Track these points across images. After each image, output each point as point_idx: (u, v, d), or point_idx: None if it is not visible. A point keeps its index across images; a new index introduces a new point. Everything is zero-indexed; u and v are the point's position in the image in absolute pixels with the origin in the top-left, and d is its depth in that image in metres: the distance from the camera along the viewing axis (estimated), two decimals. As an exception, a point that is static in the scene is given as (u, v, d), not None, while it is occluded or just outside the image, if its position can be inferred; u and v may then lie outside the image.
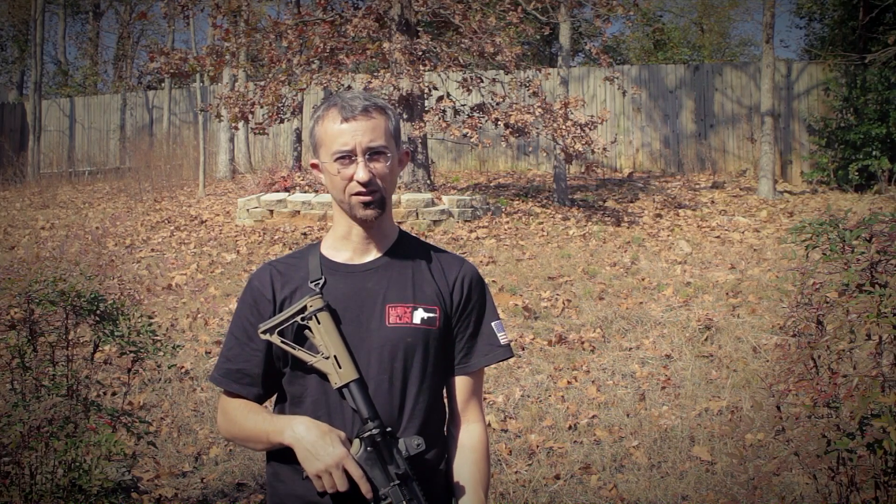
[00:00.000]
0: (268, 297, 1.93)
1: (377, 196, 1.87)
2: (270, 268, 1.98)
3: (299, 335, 1.88)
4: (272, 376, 1.94)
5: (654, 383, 5.89)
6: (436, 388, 1.95)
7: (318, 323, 1.85)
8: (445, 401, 2.02)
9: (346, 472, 1.77)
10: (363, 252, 1.95)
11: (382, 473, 1.78)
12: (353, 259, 1.95)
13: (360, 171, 1.85)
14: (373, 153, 1.86)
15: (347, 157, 1.86)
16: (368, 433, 1.79)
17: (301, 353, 1.86)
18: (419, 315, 1.90)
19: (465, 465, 1.94)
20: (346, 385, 1.82)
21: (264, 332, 1.88)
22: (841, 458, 2.73)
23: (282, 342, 1.87)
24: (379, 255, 1.95)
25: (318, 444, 1.77)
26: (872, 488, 2.75)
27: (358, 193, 1.87)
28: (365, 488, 1.76)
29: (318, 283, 1.91)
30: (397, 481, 1.77)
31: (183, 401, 5.72)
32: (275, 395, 2.00)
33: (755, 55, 26.68)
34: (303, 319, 1.87)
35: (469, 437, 1.97)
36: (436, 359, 1.93)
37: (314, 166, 1.97)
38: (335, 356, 1.83)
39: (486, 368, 2.04)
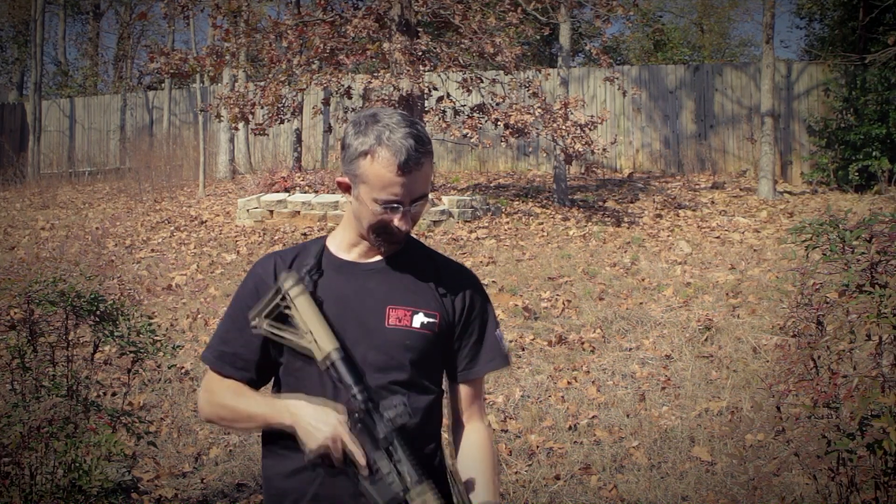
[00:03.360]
0: (269, 283, 1.93)
1: (404, 236, 1.90)
2: (275, 256, 2.00)
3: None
4: (266, 364, 1.94)
5: (654, 384, 5.89)
6: (432, 392, 1.95)
7: (293, 301, 1.87)
8: (446, 408, 2.03)
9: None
10: (368, 255, 1.96)
11: (370, 442, 1.78)
12: (358, 259, 1.96)
13: (404, 222, 1.85)
14: (416, 200, 1.86)
15: (393, 205, 1.83)
16: (352, 401, 1.80)
17: (288, 336, 1.87)
18: (419, 319, 1.91)
19: (473, 456, 1.95)
20: (328, 356, 1.82)
21: (253, 320, 1.89)
22: (841, 459, 2.73)
23: (269, 325, 1.88)
24: (382, 257, 1.96)
25: (313, 421, 1.78)
26: (872, 489, 2.75)
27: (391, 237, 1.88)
28: (358, 457, 1.76)
29: (307, 268, 1.92)
30: (383, 448, 1.78)
31: (183, 401, 5.72)
32: (270, 384, 2.01)
33: (755, 55, 26.68)
34: (283, 300, 1.88)
35: (476, 434, 1.99)
36: (433, 363, 1.94)
37: (343, 186, 1.91)
38: (311, 331, 1.84)
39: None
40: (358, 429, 1.79)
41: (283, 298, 1.88)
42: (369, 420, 1.78)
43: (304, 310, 1.86)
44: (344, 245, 1.97)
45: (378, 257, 1.96)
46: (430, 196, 10.97)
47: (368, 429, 1.78)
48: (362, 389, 1.80)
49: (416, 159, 1.80)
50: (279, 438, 1.91)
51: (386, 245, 1.89)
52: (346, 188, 1.90)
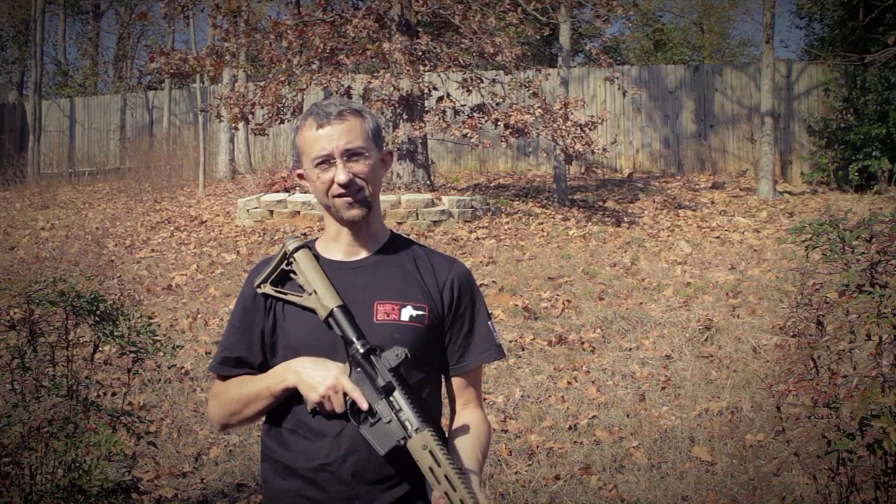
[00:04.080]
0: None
1: (360, 196, 1.91)
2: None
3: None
4: (269, 367, 1.96)
5: (654, 384, 5.89)
6: (430, 385, 1.97)
7: (296, 263, 1.93)
8: (445, 399, 2.04)
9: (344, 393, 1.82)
10: (353, 253, 1.99)
11: (372, 390, 1.81)
12: (344, 258, 1.99)
13: (340, 174, 1.89)
14: (350, 154, 1.90)
15: (326, 161, 1.89)
16: (353, 353, 1.83)
17: (291, 297, 1.92)
18: (407, 312, 1.92)
19: (463, 430, 1.97)
20: (330, 313, 1.86)
21: (258, 286, 1.95)
22: (841, 459, 2.73)
23: (275, 291, 1.94)
24: (369, 254, 1.99)
25: (312, 374, 1.83)
26: (872, 489, 2.75)
27: (340, 195, 1.90)
28: (358, 399, 1.79)
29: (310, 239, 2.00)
30: (384, 395, 1.80)
31: (183, 401, 5.72)
32: None
33: (755, 55, 26.68)
34: (288, 265, 1.95)
35: (469, 414, 2.01)
36: (425, 356, 1.94)
37: (300, 176, 2.00)
38: (314, 290, 1.89)
39: (483, 366, 2.07)
40: (359, 377, 1.82)
41: (289, 263, 1.95)
42: (370, 369, 1.81)
43: (307, 270, 1.92)
44: (328, 241, 2.00)
45: (364, 254, 1.98)
46: (430, 196, 11.01)
47: (370, 377, 1.81)
48: (364, 343, 1.83)
49: (336, 113, 1.90)
50: (277, 442, 1.93)
51: (345, 209, 1.91)
52: (302, 176, 2.00)
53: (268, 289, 1.94)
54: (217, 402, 1.99)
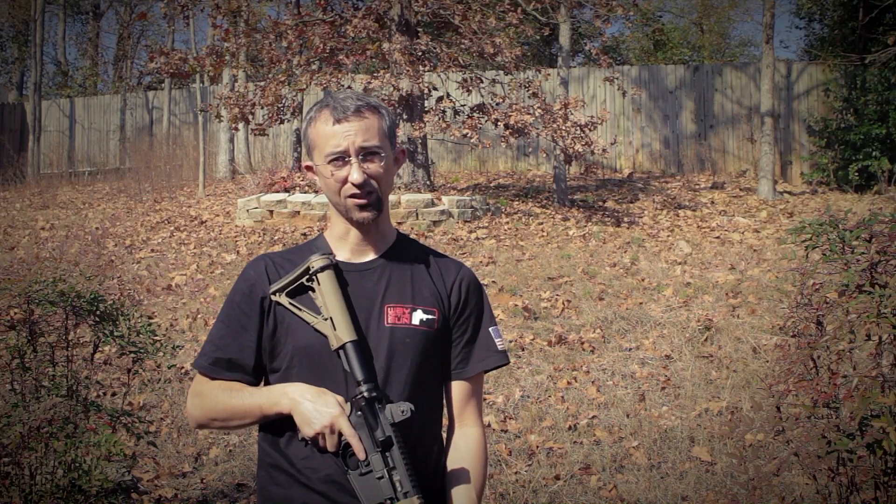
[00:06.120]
0: (263, 286, 1.91)
1: (373, 198, 1.86)
2: (266, 259, 1.97)
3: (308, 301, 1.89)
4: (262, 368, 1.91)
5: (654, 384, 5.89)
6: (433, 390, 1.93)
7: (318, 283, 1.85)
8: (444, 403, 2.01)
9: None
10: (361, 253, 1.94)
11: (369, 439, 1.75)
12: (352, 259, 1.93)
13: (355, 173, 1.83)
14: (367, 153, 1.84)
15: (341, 158, 1.84)
16: (358, 396, 1.77)
17: (306, 315, 1.84)
18: (418, 316, 1.88)
19: (457, 465, 1.92)
20: (342, 346, 1.80)
21: (274, 293, 1.87)
22: (841, 459, 2.73)
23: (290, 304, 1.86)
24: (377, 255, 1.94)
25: (310, 407, 1.76)
26: (872, 489, 2.75)
27: (353, 196, 1.85)
28: (357, 447, 1.74)
29: (333, 255, 1.91)
30: (380, 448, 1.74)
31: (183, 401, 5.72)
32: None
33: (755, 56, 26.67)
34: (308, 280, 1.87)
35: (465, 439, 1.95)
36: (433, 360, 1.91)
37: (308, 168, 1.95)
38: (331, 318, 1.82)
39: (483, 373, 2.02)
40: (358, 422, 1.76)
41: (311, 279, 1.86)
42: (371, 418, 1.75)
43: (328, 295, 1.84)
44: (335, 239, 1.95)
45: (372, 255, 1.94)
46: (430, 196, 11.01)
47: (370, 426, 1.75)
48: (371, 388, 1.77)
49: (354, 108, 1.84)
50: (277, 448, 1.87)
51: (357, 211, 1.86)
52: (310, 169, 1.94)
53: (283, 300, 1.87)
54: (200, 401, 1.89)
